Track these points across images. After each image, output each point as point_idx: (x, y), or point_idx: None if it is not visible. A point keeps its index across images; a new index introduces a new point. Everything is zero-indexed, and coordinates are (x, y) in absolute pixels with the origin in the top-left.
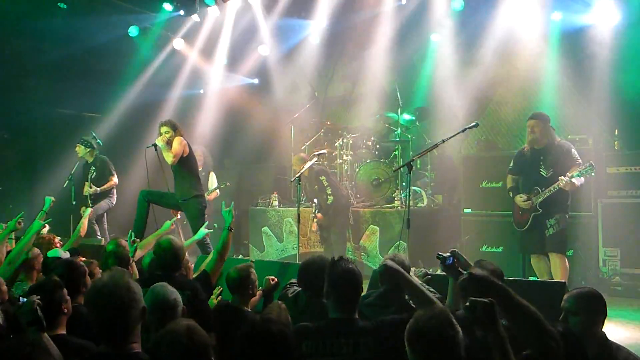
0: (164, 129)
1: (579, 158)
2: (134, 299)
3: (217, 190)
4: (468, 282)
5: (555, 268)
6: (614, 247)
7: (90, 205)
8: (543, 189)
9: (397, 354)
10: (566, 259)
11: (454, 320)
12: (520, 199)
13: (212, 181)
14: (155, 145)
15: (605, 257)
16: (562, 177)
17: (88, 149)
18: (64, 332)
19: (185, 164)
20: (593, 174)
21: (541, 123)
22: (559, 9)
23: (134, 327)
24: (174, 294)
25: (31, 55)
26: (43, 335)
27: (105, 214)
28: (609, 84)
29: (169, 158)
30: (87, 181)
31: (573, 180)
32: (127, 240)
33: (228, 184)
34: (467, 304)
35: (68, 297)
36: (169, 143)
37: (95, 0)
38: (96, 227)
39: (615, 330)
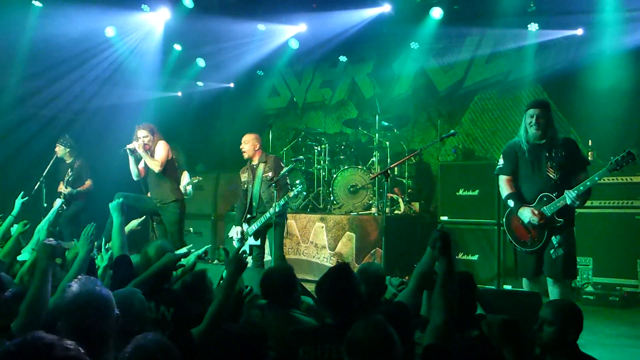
0: (141, 132)
1: (588, 159)
2: (109, 306)
3: (191, 187)
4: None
5: (564, 296)
6: (586, 256)
7: (64, 205)
8: (555, 194)
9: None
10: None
11: (392, 332)
12: (528, 212)
13: (184, 180)
14: (130, 150)
15: (578, 266)
16: (568, 191)
17: (68, 149)
18: None
19: (167, 168)
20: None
21: (547, 112)
22: (535, 20)
23: (110, 335)
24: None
25: (3, 55)
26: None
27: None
28: (584, 93)
29: (155, 166)
30: (63, 181)
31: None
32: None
33: (200, 178)
34: (485, 322)
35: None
36: (147, 149)
37: None
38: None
39: (587, 340)
